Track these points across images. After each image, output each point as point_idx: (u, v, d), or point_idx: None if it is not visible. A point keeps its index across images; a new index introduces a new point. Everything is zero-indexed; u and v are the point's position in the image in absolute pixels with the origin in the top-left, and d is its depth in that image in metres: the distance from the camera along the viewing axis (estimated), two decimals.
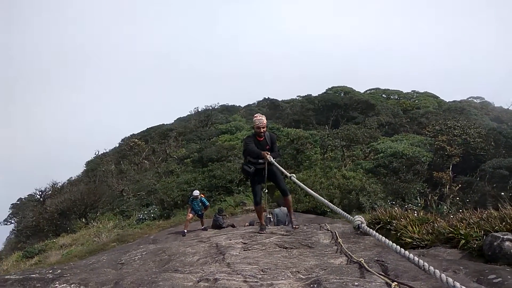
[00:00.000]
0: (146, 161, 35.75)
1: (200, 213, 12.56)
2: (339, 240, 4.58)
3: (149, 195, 24.96)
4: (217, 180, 22.76)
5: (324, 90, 51.61)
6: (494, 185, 21.17)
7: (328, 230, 5.52)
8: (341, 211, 3.06)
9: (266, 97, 57.53)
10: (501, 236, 3.28)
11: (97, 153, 43.92)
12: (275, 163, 5.59)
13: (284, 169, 5.41)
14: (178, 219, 18.95)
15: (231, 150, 27.70)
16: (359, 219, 2.64)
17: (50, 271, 4.03)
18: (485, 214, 4.08)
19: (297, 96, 55.25)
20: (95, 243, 17.32)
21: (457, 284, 1.63)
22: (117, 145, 47.34)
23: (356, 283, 2.80)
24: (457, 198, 18.55)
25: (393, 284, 2.67)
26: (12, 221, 35.91)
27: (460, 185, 21.43)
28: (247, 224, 13.14)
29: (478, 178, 22.72)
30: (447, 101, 51.75)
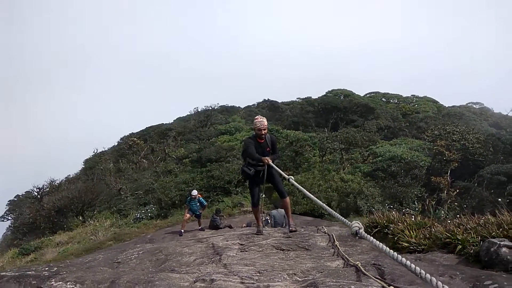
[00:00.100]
0: (144, 160, 35.69)
1: (197, 213, 12.56)
2: (336, 243, 4.58)
3: (146, 194, 24.93)
4: (215, 181, 22.75)
5: (324, 93, 51.74)
6: (492, 191, 21.19)
7: (325, 233, 5.52)
8: (339, 215, 3.01)
9: (266, 99, 57.52)
10: (498, 242, 3.28)
11: (95, 151, 43.90)
12: (275, 166, 5.57)
13: (283, 171, 5.40)
14: (175, 218, 18.93)
15: (230, 151, 27.70)
16: (357, 224, 2.58)
17: (46, 269, 4.01)
18: (482, 220, 4.08)
19: (297, 98, 55.29)
20: (92, 241, 17.27)
21: None
22: (116, 144, 47.25)
23: (352, 287, 2.80)
24: (455, 204, 18.53)
25: None
26: (9, 218, 35.81)
27: (458, 191, 21.44)
28: (244, 225, 13.14)
29: (476, 184, 22.75)
30: (447, 106, 51.93)
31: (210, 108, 51.40)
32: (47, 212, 25.20)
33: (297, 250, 4.54)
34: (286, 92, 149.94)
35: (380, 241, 2.34)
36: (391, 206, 17.22)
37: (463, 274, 2.98)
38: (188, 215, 12.45)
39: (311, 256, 4.14)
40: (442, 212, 13.09)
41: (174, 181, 24.80)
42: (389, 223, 5.11)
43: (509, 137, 28.80)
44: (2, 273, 3.74)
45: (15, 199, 39.00)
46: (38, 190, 31.54)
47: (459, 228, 4.06)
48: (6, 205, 38.03)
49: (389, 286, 2.72)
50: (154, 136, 43.16)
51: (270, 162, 5.56)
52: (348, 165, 26.86)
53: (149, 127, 48.79)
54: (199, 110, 51.57)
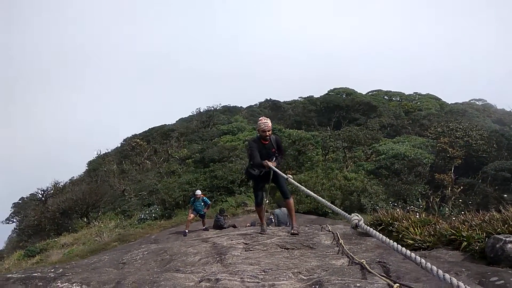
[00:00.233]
0: (148, 161, 35.79)
1: (202, 213, 12.57)
2: (340, 241, 4.57)
3: (150, 195, 25.00)
4: (219, 181, 22.77)
5: (326, 92, 51.66)
6: (496, 187, 21.12)
7: (330, 231, 5.51)
8: (338, 209, 2.94)
9: (268, 98, 57.41)
10: (504, 238, 3.27)
11: (99, 153, 44.04)
12: (275, 168, 5.51)
13: (286, 170, 5.38)
14: (179, 219, 18.99)
15: (233, 150, 27.70)
16: (356, 217, 2.52)
17: (52, 270, 4.04)
18: (487, 216, 4.07)
19: (299, 98, 55.23)
20: (97, 242, 17.34)
21: (461, 284, 1.59)
22: (119, 145, 47.42)
23: (357, 284, 2.79)
24: (459, 200, 18.50)
25: (395, 285, 2.66)
26: (14, 220, 36.02)
27: (462, 187, 21.38)
28: (248, 224, 13.14)
29: (480, 180, 22.67)
30: (449, 103, 51.69)
31: (212, 108, 51.50)
32: (52, 214, 25.33)
33: (301, 249, 4.54)
34: (286, 92, 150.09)
35: None
36: (395, 204, 17.13)
37: (469, 271, 2.96)
38: (192, 215, 12.47)
39: (316, 255, 4.14)
40: (447, 209, 13.07)
41: (178, 181, 24.85)
42: (394, 221, 5.11)
43: None
44: (8, 275, 3.77)
45: (20, 201, 39.25)
46: (42, 192, 31.75)
47: (464, 225, 4.05)
48: (11, 208, 38.33)
49: (394, 283, 2.71)
50: (157, 137, 43.28)
51: (271, 166, 5.52)
52: (351, 164, 26.82)
53: (151, 128, 48.92)
54: (202, 110, 51.72)
